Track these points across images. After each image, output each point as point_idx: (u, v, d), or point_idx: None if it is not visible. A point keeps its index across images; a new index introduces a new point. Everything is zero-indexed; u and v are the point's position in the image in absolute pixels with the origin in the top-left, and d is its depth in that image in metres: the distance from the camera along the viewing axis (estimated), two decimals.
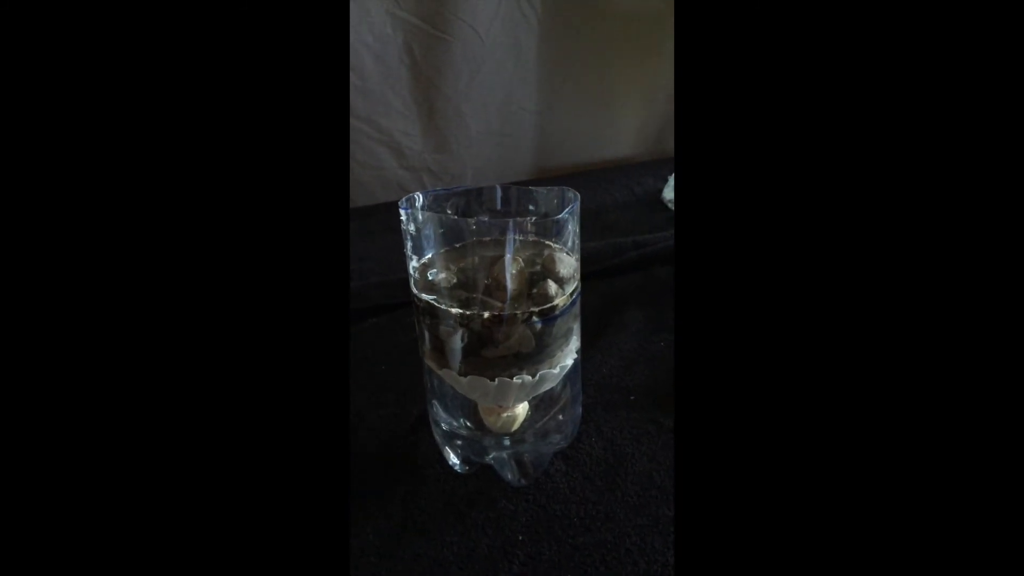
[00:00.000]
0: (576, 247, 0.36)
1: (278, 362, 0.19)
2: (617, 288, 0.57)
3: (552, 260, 0.35)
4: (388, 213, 0.45)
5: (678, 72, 0.20)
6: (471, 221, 0.32)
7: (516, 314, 0.32)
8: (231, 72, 0.19)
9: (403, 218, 0.32)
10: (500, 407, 0.38)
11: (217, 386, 0.19)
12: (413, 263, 0.34)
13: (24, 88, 0.17)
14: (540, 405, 0.40)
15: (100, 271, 0.18)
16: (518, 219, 0.31)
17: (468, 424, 0.39)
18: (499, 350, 0.33)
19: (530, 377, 0.34)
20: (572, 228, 0.34)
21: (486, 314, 0.32)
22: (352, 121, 0.84)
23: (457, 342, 0.33)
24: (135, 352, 0.18)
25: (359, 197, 0.87)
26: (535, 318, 0.33)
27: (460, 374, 0.34)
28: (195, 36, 0.18)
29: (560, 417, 0.40)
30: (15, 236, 0.17)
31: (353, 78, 0.84)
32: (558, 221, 0.32)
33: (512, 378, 0.34)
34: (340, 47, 0.20)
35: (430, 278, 0.34)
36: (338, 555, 0.20)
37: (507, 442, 0.39)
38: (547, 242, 0.35)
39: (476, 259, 0.33)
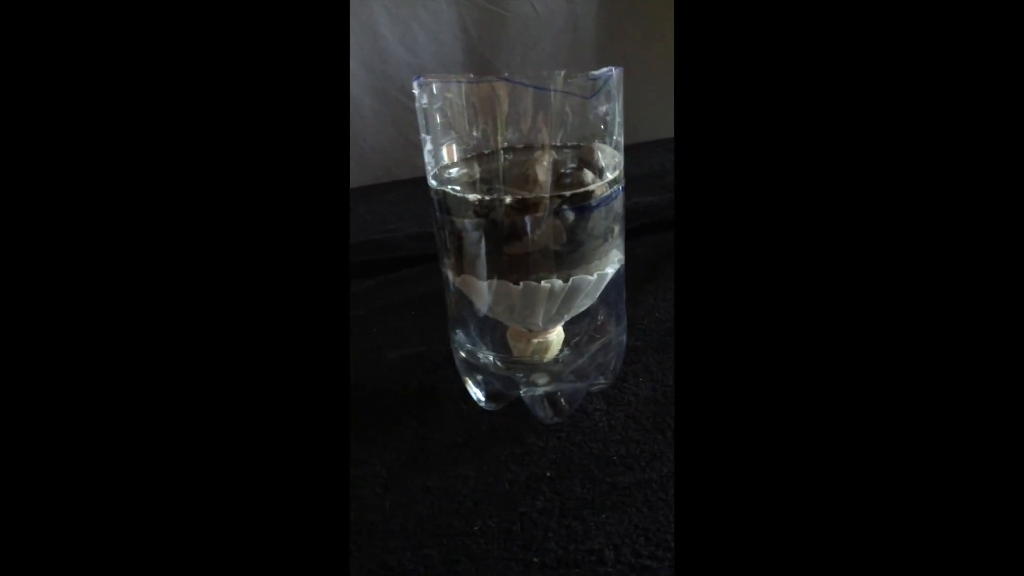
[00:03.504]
0: (620, 144, 0.31)
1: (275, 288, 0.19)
2: (671, 241, 0.51)
3: (591, 151, 0.30)
4: None
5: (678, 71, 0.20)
6: (496, 81, 0.27)
7: (544, 198, 0.27)
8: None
9: (416, 91, 0.28)
10: (530, 331, 0.33)
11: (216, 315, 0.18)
12: (428, 147, 0.30)
13: (21, 83, 0.17)
14: (580, 342, 0.35)
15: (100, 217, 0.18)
16: (556, 74, 0.26)
17: (493, 353, 0.34)
18: (524, 244, 0.28)
19: (561, 282, 0.29)
20: (614, 112, 0.30)
21: (508, 199, 0.27)
22: (404, 99, 0.82)
23: (475, 237, 0.29)
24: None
25: (407, 172, 0.85)
26: (566, 207, 0.28)
27: (479, 278, 0.29)
28: None
29: (603, 355, 0.35)
30: (11, 232, 0.17)
31: (406, 55, 0.83)
32: (598, 79, 0.28)
33: (540, 282, 0.29)
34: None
35: (446, 162, 0.30)
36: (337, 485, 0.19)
37: (541, 380, 0.34)
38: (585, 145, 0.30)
39: (504, 158, 0.29)
